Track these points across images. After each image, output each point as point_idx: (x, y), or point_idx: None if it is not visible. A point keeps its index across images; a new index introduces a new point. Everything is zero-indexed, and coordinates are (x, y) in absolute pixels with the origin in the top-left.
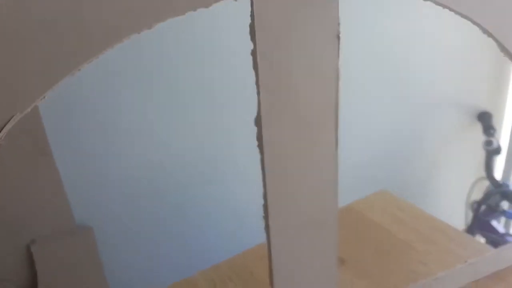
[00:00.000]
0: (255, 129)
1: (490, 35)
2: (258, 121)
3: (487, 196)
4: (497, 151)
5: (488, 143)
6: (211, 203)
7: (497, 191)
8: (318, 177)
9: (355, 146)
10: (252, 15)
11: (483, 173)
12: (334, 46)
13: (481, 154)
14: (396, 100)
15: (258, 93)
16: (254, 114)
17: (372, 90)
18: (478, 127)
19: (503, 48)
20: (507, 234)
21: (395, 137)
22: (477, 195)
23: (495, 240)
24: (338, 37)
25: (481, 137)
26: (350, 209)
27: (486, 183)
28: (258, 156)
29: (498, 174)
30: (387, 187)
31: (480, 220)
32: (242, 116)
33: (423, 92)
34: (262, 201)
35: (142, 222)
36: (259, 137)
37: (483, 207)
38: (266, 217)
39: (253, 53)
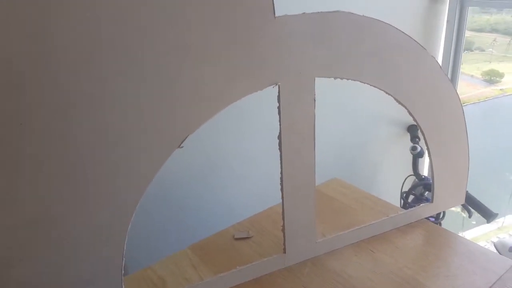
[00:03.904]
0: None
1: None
2: (279, 137)
3: (413, 187)
4: (420, 154)
5: (414, 148)
6: (207, 197)
7: (421, 183)
8: (305, 167)
9: (319, 151)
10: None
11: (412, 171)
12: (312, 106)
13: (410, 157)
14: (349, 117)
15: (280, 126)
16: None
17: (332, 109)
18: (407, 136)
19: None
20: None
21: (347, 144)
22: (407, 188)
23: None
24: (314, 100)
25: (409, 144)
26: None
27: (414, 178)
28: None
29: (424, 171)
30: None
31: (410, 206)
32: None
33: (369, 111)
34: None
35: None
36: (280, 145)
37: (411, 196)
38: (282, 185)
39: (279, 112)
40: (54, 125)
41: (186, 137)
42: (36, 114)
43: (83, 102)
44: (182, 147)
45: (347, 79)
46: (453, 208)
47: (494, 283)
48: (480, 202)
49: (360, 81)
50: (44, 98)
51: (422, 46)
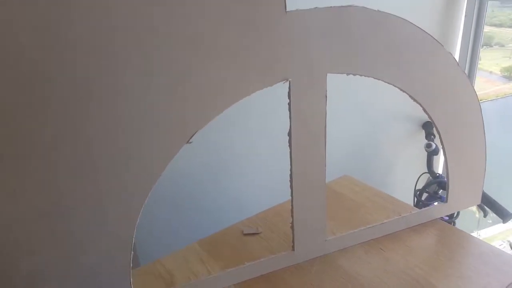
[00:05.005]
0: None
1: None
2: (289, 134)
3: (427, 185)
4: (435, 152)
5: (428, 145)
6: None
7: (434, 181)
8: (315, 164)
9: (331, 147)
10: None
11: (426, 169)
12: (323, 103)
13: (424, 154)
14: (362, 113)
15: (291, 125)
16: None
17: (346, 105)
18: (422, 133)
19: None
20: None
21: (360, 141)
22: (421, 185)
23: None
24: (325, 96)
25: (424, 141)
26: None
27: (428, 176)
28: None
29: (438, 169)
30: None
31: (424, 204)
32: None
33: (383, 107)
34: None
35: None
36: (290, 142)
37: (425, 194)
38: (291, 182)
39: (289, 108)
40: (65, 118)
41: (195, 133)
42: (48, 106)
43: (96, 95)
44: (191, 142)
45: (360, 75)
46: None
47: (509, 285)
48: (496, 202)
49: (374, 78)
50: (57, 92)
51: (439, 42)
